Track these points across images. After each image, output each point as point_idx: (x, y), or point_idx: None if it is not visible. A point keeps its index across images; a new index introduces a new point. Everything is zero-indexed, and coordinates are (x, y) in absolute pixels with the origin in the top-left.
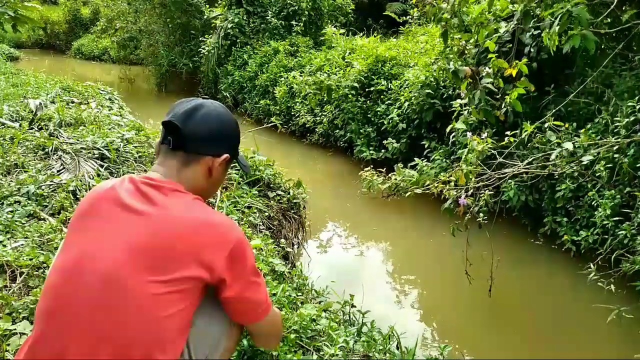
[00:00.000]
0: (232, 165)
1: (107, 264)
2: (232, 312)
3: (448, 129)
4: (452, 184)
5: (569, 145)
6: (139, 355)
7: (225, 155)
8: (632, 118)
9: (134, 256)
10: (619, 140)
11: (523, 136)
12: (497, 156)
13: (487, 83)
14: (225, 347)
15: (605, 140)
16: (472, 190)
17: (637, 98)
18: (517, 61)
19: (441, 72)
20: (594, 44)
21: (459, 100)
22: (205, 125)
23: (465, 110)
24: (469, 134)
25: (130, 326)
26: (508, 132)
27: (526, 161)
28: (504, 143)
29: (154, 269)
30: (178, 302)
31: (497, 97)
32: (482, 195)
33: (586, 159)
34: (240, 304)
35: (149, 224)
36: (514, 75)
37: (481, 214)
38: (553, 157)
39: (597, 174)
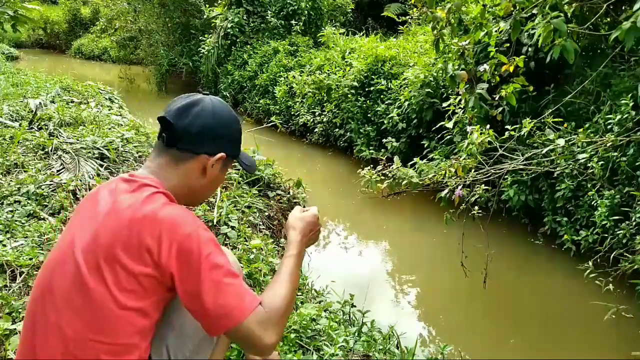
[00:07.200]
0: (232, 164)
1: (70, 267)
2: (197, 318)
3: (438, 126)
4: (452, 174)
5: (560, 142)
6: (96, 353)
7: (221, 154)
8: (625, 115)
9: (87, 258)
10: (612, 137)
11: (522, 132)
12: (498, 149)
13: (482, 89)
14: (212, 350)
15: (602, 139)
16: (469, 181)
17: (629, 95)
18: (514, 57)
19: (441, 72)
20: (573, 55)
21: (451, 100)
22: (199, 122)
23: (459, 109)
24: (469, 127)
25: (88, 327)
26: (509, 127)
27: (522, 157)
28: (504, 137)
29: (105, 270)
30: (134, 301)
31: (494, 96)
32: (477, 189)
33: (582, 157)
34: (199, 307)
35: (101, 224)
36: (510, 71)
37: (476, 207)
38: (544, 151)
39: (591, 170)
